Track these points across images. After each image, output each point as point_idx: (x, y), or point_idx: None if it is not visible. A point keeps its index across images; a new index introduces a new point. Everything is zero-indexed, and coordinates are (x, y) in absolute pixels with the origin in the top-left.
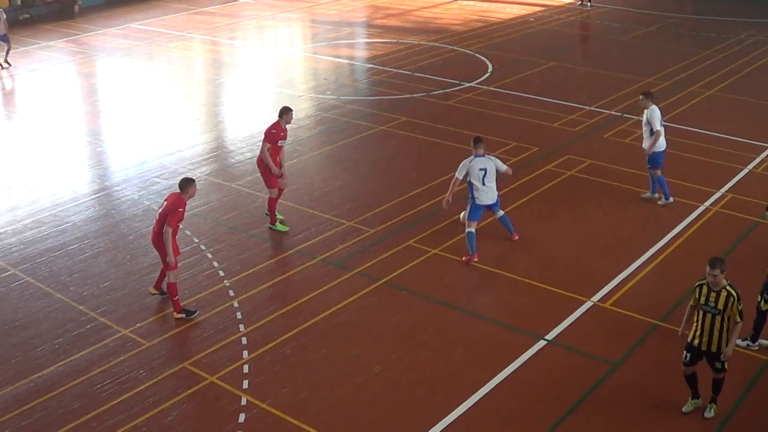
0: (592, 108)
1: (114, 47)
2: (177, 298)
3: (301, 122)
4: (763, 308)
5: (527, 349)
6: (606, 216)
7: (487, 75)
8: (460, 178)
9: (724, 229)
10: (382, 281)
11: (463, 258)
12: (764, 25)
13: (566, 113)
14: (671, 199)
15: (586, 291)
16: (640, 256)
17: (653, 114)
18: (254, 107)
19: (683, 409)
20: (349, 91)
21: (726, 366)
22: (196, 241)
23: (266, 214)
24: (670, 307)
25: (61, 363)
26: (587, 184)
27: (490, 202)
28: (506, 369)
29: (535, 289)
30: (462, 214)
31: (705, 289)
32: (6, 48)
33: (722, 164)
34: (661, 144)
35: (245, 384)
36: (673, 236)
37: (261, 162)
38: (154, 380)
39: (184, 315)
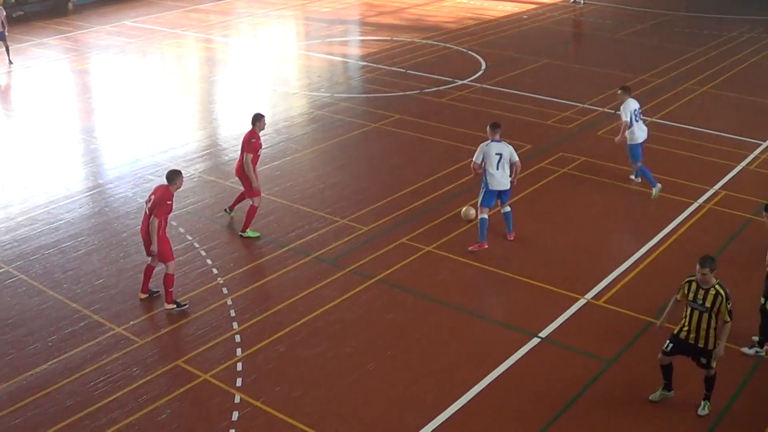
0: (586, 105)
1: (108, 44)
2: (172, 290)
3: (294, 120)
4: None
5: (521, 347)
6: (599, 213)
7: (480, 72)
8: (479, 162)
9: (717, 226)
10: (376, 279)
11: (470, 248)
12: (757, 22)
13: (559, 110)
14: (659, 185)
15: (579, 288)
16: (633, 254)
17: (625, 106)
18: (248, 105)
19: (650, 397)
20: (343, 88)
21: (713, 363)
22: (190, 238)
23: (226, 210)
24: (663, 305)
25: (55, 360)
26: (581, 182)
27: (502, 188)
28: (500, 366)
29: (529, 286)
30: (463, 209)
31: (694, 286)
32: (5, 47)
33: (715, 161)
34: (638, 136)
35: (239, 382)
36: (667, 233)
37: (241, 171)
38: (148, 378)
39: (174, 306)
